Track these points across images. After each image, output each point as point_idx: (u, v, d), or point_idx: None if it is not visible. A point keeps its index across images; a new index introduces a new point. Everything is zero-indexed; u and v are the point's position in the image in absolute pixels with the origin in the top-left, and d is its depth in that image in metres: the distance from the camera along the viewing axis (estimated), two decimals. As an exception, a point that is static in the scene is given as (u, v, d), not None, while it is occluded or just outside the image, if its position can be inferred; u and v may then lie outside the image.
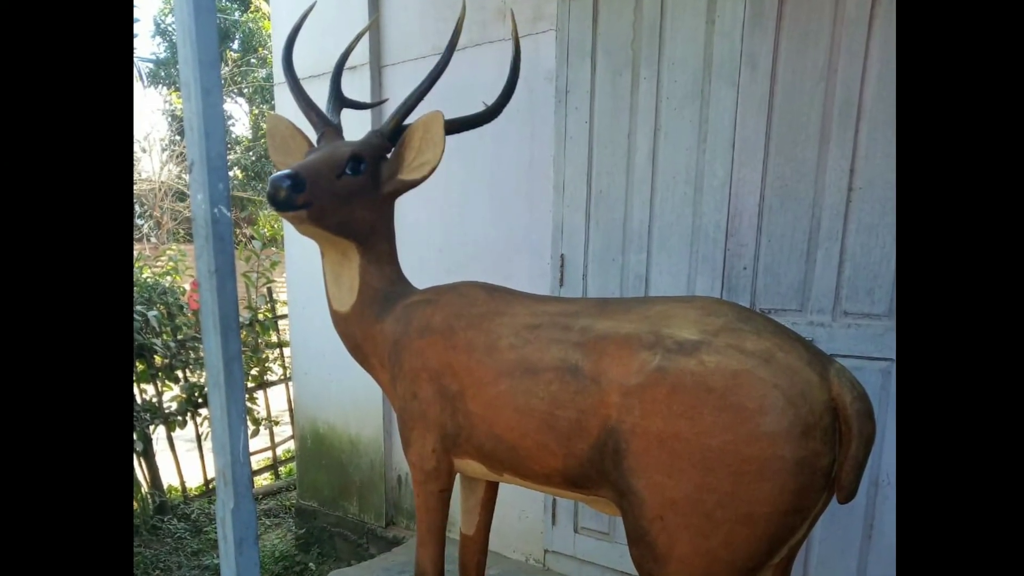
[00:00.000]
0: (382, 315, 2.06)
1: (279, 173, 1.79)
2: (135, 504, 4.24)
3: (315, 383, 4.16)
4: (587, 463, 1.67)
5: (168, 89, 16.08)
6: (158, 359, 4.48)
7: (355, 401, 3.94)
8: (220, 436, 1.88)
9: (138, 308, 4.32)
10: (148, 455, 4.50)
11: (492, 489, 2.29)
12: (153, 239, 14.00)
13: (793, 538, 1.52)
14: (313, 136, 2.15)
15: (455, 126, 2.04)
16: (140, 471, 4.47)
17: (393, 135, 2.04)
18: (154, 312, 4.42)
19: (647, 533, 1.56)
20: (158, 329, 4.50)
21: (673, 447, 1.48)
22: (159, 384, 4.52)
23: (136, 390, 4.45)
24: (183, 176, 14.04)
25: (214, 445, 1.92)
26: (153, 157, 14.46)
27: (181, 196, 14.22)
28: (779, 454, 1.40)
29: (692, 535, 1.49)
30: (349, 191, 1.91)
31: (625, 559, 2.87)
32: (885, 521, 2.37)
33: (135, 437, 4.14)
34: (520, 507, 3.32)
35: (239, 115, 16.64)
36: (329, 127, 2.11)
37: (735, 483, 1.43)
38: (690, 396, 1.47)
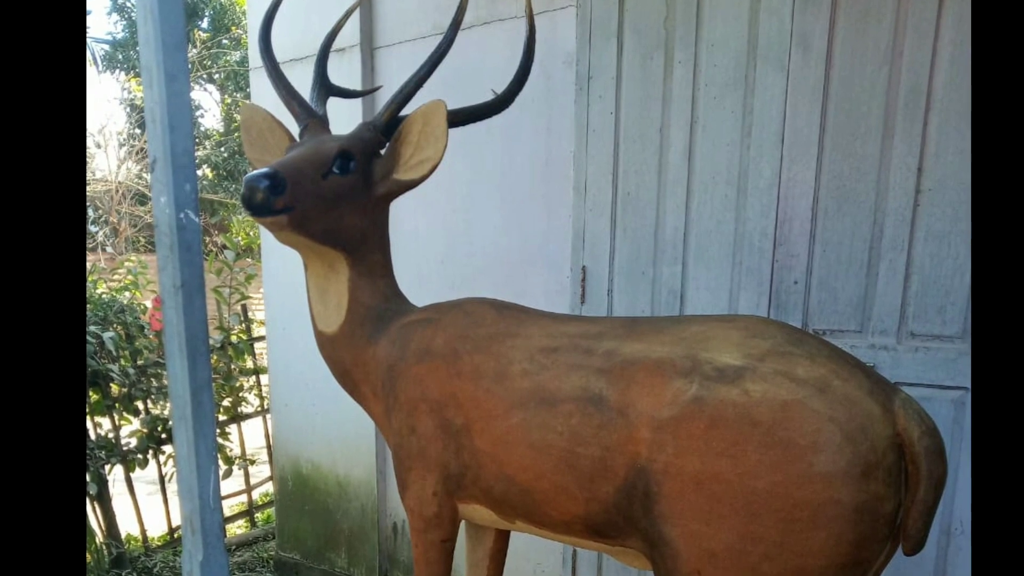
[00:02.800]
0: (375, 337, 2.07)
1: (255, 172, 1.81)
2: (88, 557, 4.26)
3: (297, 416, 4.17)
4: (612, 508, 1.67)
5: (127, 75, 16.29)
6: (115, 388, 4.50)
7: (343, 437, 3.95)
8: (187, 477, 1.89)
9: (91, 329, 4.35)
10: (103, 499, 4.51)
11: (502, 539, 2.30)
12: (109, 248, 14.10)
13: (853, 597, 1.52)
14: (295, 129, 2.18)
15: (460, 117, 2.06)
16: (94, 518, 4.48)
17: (387, 128, 2.06)
18: (110, 333, 4.45)
19: (682, 591, 1.56)
20: (115, 353, 4.52)
21: (712, 490, 1.49)
22: (116, 417, 4.54)
23: (89, 424, 4.47)
24: (144, 176, 14.17)
25: (180, 488, 1.93)
26: (109, 154, 14.60)
27: (142, 199, 14.34)
28: (835, 498, 1.40)
29: (735, 593, 1.49)
30: (336, 193, 1.94)
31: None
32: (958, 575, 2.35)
33: (88, 479, 4.16)
34: (535, 559, 3.32)
35: (209, 105, 16.97)
36: (313, 119, 2.14)
37: (784, 532, 1.43)
38: (732, 431, 1.47)
